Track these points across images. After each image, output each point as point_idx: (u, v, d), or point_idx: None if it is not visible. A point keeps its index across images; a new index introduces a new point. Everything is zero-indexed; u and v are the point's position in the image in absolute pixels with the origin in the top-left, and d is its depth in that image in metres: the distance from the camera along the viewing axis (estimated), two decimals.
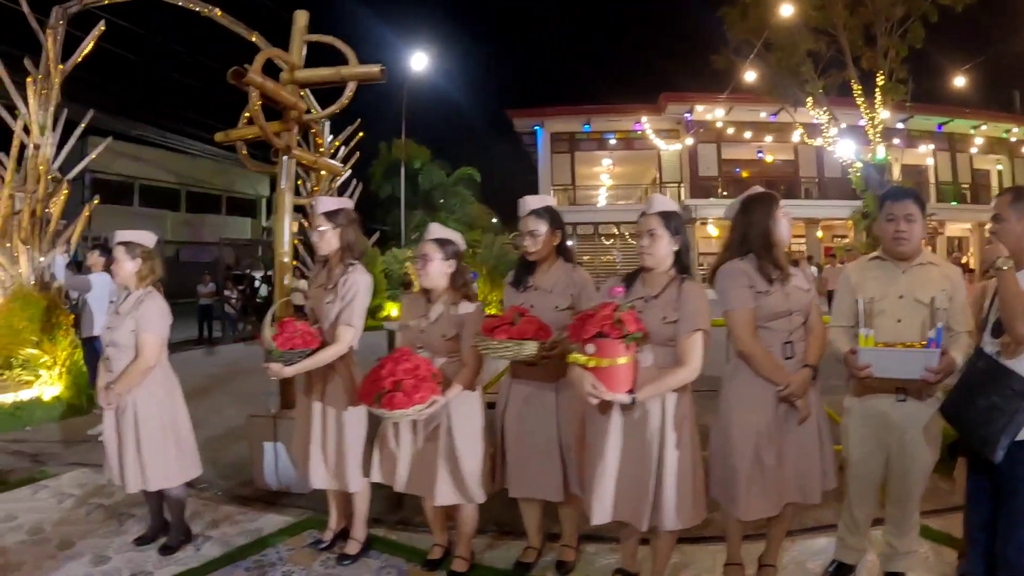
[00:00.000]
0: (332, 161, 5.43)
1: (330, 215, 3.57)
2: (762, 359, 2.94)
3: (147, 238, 3.79)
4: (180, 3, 7.23)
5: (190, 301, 15.14)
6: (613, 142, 25.84)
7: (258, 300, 15.90)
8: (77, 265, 8.22)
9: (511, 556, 3.62)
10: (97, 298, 6.27)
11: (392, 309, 16.06)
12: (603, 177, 28.37)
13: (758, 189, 3.19)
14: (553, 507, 3.48)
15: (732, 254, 3.07)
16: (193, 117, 25.67)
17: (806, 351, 3.04)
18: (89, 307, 6.30)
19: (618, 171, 27.97)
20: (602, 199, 27.33)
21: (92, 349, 6.40)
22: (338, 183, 9.19)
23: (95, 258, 6.42)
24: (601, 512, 2.89)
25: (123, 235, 3.75)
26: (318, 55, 5.24)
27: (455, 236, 3.45)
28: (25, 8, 8.33)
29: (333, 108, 5.10)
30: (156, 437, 3.61)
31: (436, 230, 3.44)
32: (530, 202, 3.38)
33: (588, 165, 27.17)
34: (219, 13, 6.79)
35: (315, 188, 5.19)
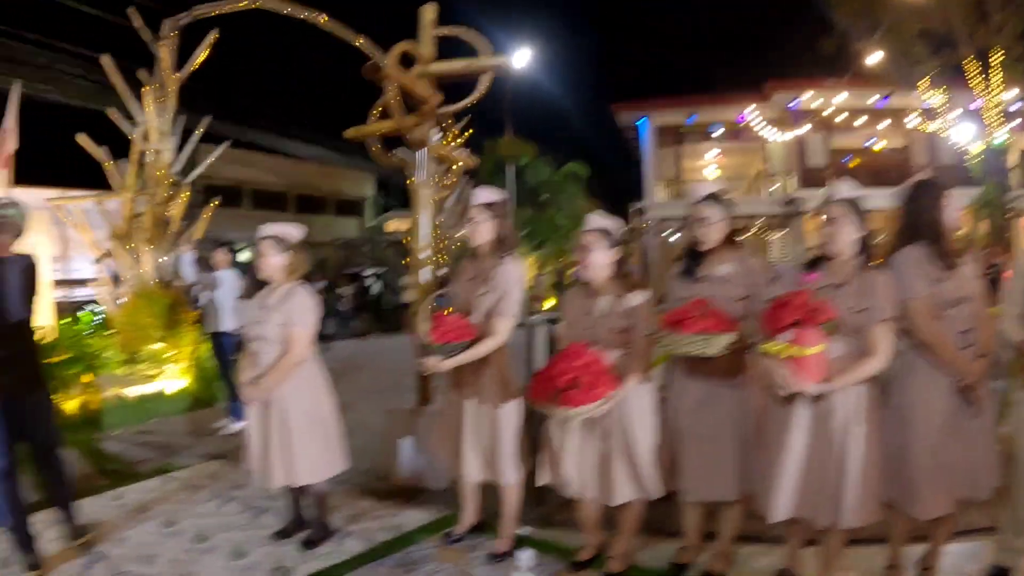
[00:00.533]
0: (465, 154, 5.35)
1: (488, 206, 3.49)
2: (946, 348, 2.85)
3: (294, 232, 3.74)
4: (286, 12, 7.32)
5: None
6: (719, 133, 25.07)
7: (369, 297, 16.34)
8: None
9: (664, 556, 3.47)
10: (224, 294, 6.41)
11: None
12: (709, 170, 27.60)
13: (925, 175, 3.13)
14: (711, 506, 3.33)
15: (903, 242, 3.00)
16: (299, 121, 26.57)
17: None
18: (216, 303, 6.43)
19: (724, 163, 27.18)
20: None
21: (219, 344, 6.54)
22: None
23: (220, 256, 6.57)
24: (781, 509, 2.84)
25: (270, 229, 3.70)
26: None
27: (615, 224, 3.31)
28: (137, 22, 8.66)
29: (469, 100, 5.01)
30: (304, 432, 3.56)
31: (596, 219, 3.32)
32: (701, 189, 3.25)
33: (693, 158, 26.48)
34: (324, 19, 6.84)
35: (450, 182, 5.15)
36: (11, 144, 8.82)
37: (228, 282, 6.45)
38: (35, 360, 3.78)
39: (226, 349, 6.45)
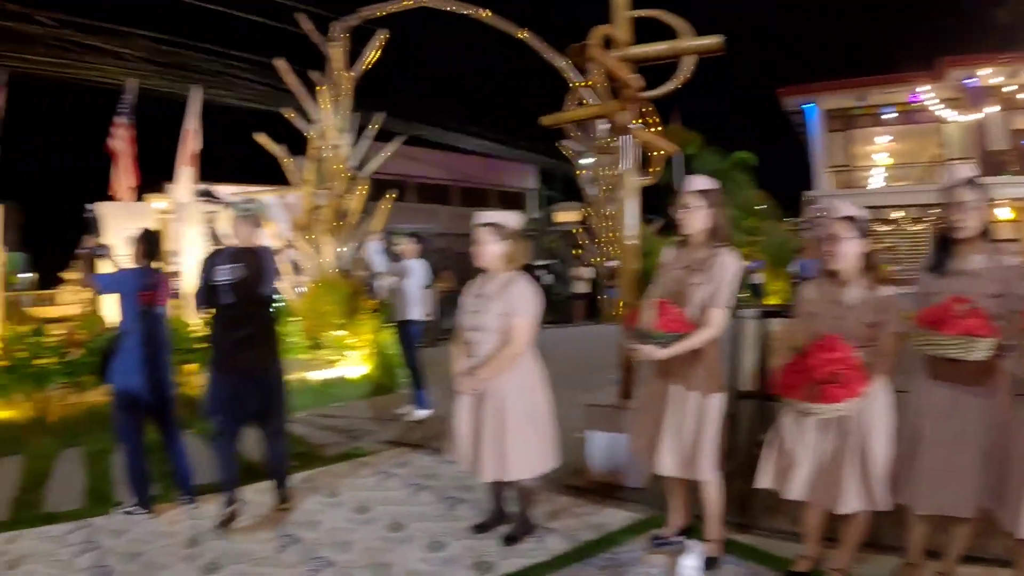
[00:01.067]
0: (665, 141, 5.22)
1: (702, 193, 3.36)
2: None
3: (513, 219, 3.68)
4: (450, 8, 7.43)
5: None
6: (890, 116, 23.49)
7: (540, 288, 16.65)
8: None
9: (881, 571, 3.25)
10: (412, 283, 6.56)
11: None
12: (879, 156, 25.82)
13: None
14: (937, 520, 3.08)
15: None
16: (461, 115, 27.32)
17: None
18: (404, 292, 6.59)
19: (895, 148, 25.32)
20: (877, 180, 24.96)
21: (406, 332, 6.67)
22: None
23: (408, 245, 6.73)
24: None
25: (488, 216, 3.65)
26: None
27: (861, 212, 3.10)
28: (307, 26, 9.08)
29: (672, 85, 4.85)
30: (520, 426, 3.50)
31: (843, 207, 3.11)
32: (960, 172, 2.97)
33: (863, 143, 24.91)
34: (488, 14, 6.89)
35: (654, 169, 5.07)
36: (195, 144, 9.59)
37: (416, 271, 6.61)
38: (274, 339, 4.20)
39: (413, 337, 6.62)
